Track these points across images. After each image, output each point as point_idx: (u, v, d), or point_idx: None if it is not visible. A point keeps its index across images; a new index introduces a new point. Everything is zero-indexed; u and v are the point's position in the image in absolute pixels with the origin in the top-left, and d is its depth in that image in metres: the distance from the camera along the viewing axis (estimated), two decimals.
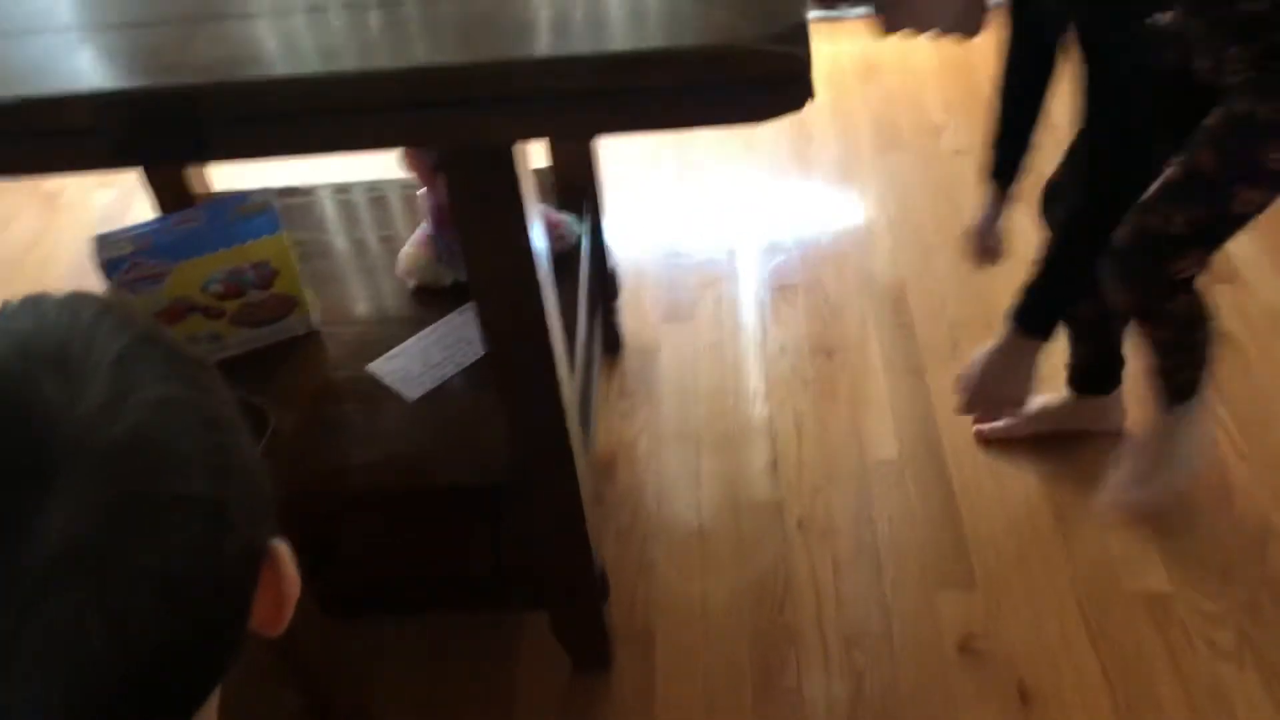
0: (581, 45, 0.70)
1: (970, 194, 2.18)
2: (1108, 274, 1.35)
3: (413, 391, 1.34)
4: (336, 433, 1.30)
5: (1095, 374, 1.65)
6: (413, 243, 1.49)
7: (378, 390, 1.35)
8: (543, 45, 0.73)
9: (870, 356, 1.87)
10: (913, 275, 2.03)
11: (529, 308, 1.03)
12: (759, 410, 1.79)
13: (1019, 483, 1.64)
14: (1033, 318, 1.36)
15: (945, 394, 1.74)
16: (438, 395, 1.34)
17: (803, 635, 1.46)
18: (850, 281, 2.04)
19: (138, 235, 1.31)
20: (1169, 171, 1.29)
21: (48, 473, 0.38)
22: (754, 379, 1.85)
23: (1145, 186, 1.29)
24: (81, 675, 0.38)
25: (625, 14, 0.73)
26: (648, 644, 1.48)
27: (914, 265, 2.05)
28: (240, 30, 0.80)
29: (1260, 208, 1.28)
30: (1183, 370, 1.48)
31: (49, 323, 0.42)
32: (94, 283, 1.30)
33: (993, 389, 1.43)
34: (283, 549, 0.49)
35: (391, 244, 1.58)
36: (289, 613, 0.49)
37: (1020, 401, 1.46)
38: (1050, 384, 1.62)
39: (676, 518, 1.64)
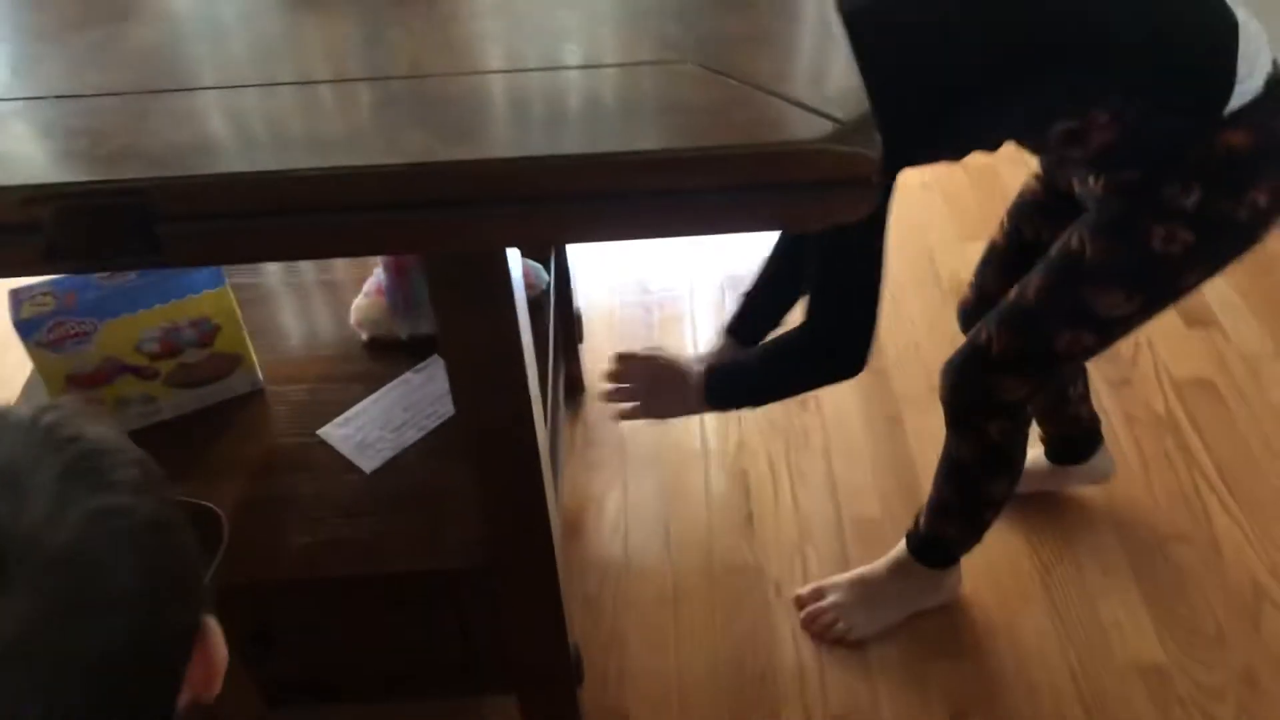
0: (612, 139, 0.59)
1: (937, 232, 2.13)
2: (941, 372, 1.32)
3: (369, 461, 1.23)
4: (283, 509, 1.18)
5: (1071, 445, 1.59)
6: (365, 293, 1.38)
7: (330, 459, 1.24)
8: (572, 138, 0.62)
9: (845, 404, 1.80)
10: (884, 318, 1.95)
11: (512, 393, 0.94)
12: (733, 462, 1.71)
13: (1003, 544, 1.58)
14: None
15: (925, 442, 1.68)
16: (396, 465, 1.23)
17: (787, 714, 1.38)
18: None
19: (61, 290, 1.18)
20: (1014, 289, 1.23)
21: None
22: (726, 429, 1.77)
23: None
24: None
25: (658, 105, 0.62)
26: None
27: (885, 307, 1.98)
28: (201, 105, 0.69)
29: (1088, 351, 1.22)
30: (953, 522, 1.41)
31: None
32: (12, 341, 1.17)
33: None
34: (212, 623, 0.56)
35: (338, 290, 1.46)
36: (219, 681, 0.56)
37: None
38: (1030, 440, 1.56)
39: (648, 583, 1.54)
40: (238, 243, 0.63)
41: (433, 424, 1.27)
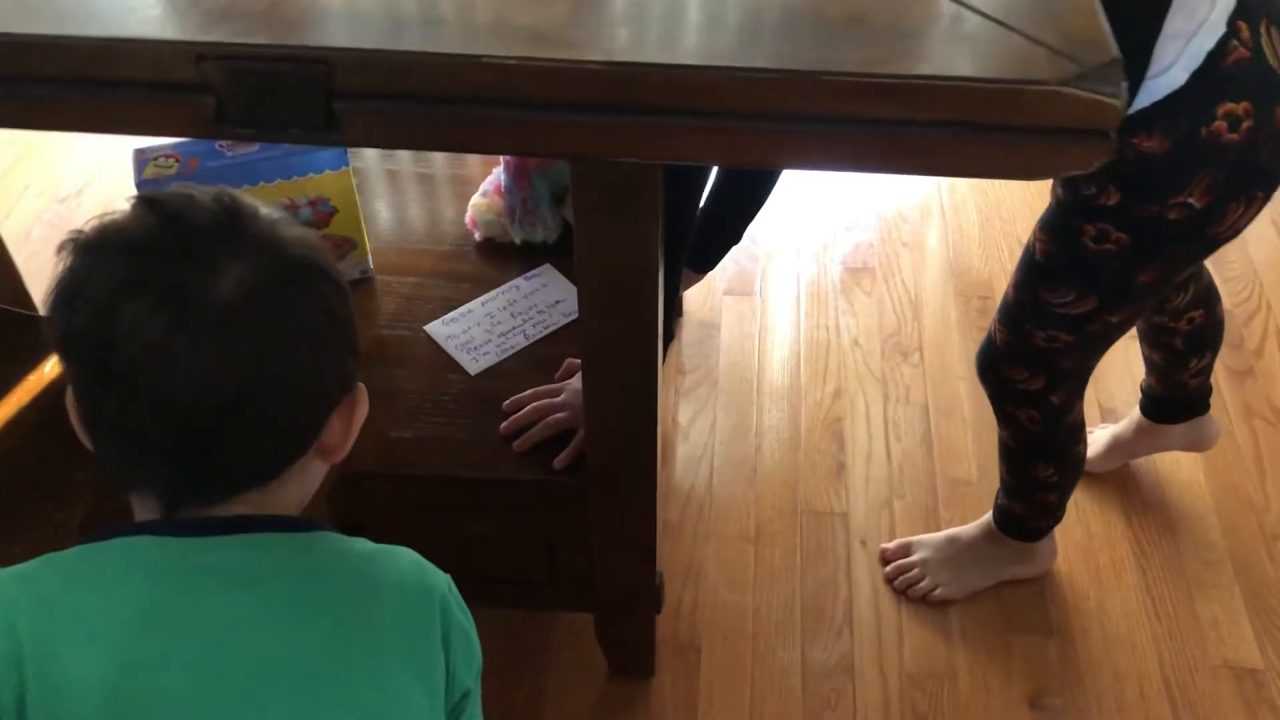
0: (848, 58, 0.56)
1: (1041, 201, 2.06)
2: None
3: (473, 362, 1.23)
4: (384, 402, 1.19)
5: (1168, 405, 1.53)
6: (483, 192, 1.37)
7: (434, 356, 1.24)
8: (786, 53, 0.59)
9: (951, 363, 1.76)
10: (1001, 275, 1.91)
11: (640, 310, 0.92)
12: (828, 408, 1.69)
13: (1103, 523, 1.55)
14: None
15: None
16: (500, 370, 1.23)
17: (861, 668, 1.38)
18: (932, 274, 1.92)
19: (185, 155, 1.19)
20: None
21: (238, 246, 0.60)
22: (823, 372, 1.75)
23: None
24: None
25: (882, 27, 0.59)
26: (692, 658, 1.39)
27: (1003, 264, 1.93)
28: None
29: (1073, 348, 1.17)
30: (1015, 499, 1.40)
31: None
32: None
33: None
34: (362, 389, 0.68)
35: (457, 185, 1.46)
36: (349, 444, 0.67)
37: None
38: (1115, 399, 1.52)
39: (730, 518, 1.54)
40: (417, 128, 0.62)
41: (538, 333, 1.27)
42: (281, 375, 0.60)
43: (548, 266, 1.34)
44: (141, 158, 1.19)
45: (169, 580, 0.59)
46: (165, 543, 0.60)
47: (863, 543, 1.52)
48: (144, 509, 0.63)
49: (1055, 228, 1.10)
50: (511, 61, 0.58)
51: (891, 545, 1.49)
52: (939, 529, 1.53)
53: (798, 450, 1.63)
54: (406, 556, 0.68)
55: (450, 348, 1.25)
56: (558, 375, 1.21)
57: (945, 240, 1.98)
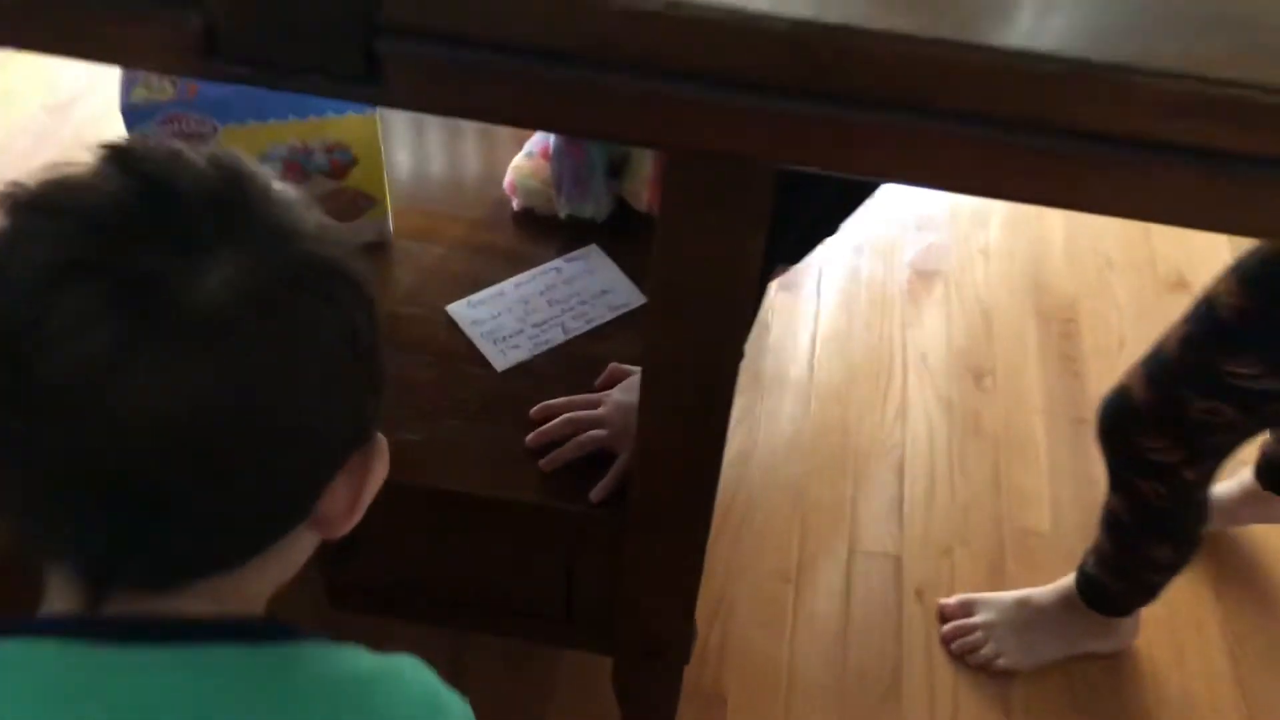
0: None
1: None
2: (1098, 408, 1.14)
3: (501, 356, 1.05)
4: (394, 393, 1.01)
5: None
6: (527, 153, 1.18)
7: (455, 344, 1.06)
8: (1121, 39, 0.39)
9: (1028, 390, 1.58)
10: (1086, 294, 1.72)
11: (724, 331, 0.74)
12: (887, 431, 1.51)
13: (1191, 599, 1.37)
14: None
15: None
16: (531, 368, 1.05)
17: None
18: (1009, 287, 1.73)
19: (182, 79, 1.00)
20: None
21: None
22: (884, 389, 1.57)
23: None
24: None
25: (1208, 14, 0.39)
26: (716, 710, 1.23)
27: (1088, 282, 1.75)
28: None
29: (1234, 427, 1.01)
30: (1113, 574, 1.23)
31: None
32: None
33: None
34: (382, 442, 0.53)
35: (497, 142, 1.27)
36: (357, 516, 0.51)
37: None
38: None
39: (768, 550, 1.37)
40: (494, 92, 0.43)
41: (579, 327, 1.09)
42: (274, 417, 0.44)
43: (594, 248, 1.16)
44: (130, 78, 1.00)
45: (70, 712, 0.41)
46: (77, 651, 0.42)
47: (918, 594, 1.34)
48: (59, 592, 0.45)
49: (1268, 286, 0.91)
50: (654, 8, 0.39)
51: (952, 601, 1.32)
52: (1003, 584, 1.35)
53: (850, 478, 1.45)
54: (415, 681, 0.50)
55: (475, 335, 1.07)
56: (598, 382, 1.03)
57: (1026, 250, 1.79)
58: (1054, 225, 1.84)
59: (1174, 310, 1.46)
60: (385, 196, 1.10)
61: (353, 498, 0.50)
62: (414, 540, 1.06)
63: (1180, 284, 1.74)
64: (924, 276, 1.73)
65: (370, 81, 0.44)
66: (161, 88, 0.99)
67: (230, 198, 0.45)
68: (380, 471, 0.52)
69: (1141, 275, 1.77)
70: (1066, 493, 1.45)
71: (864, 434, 1.50)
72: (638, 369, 1.03)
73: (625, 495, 0.94)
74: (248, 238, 0.44)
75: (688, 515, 0.90)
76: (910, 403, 1.55)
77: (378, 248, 1.13)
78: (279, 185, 0.48)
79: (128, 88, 0.99)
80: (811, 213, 1.03)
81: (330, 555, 1.03)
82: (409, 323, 1.07)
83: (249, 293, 0.42)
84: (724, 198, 0.63)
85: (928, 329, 1.65)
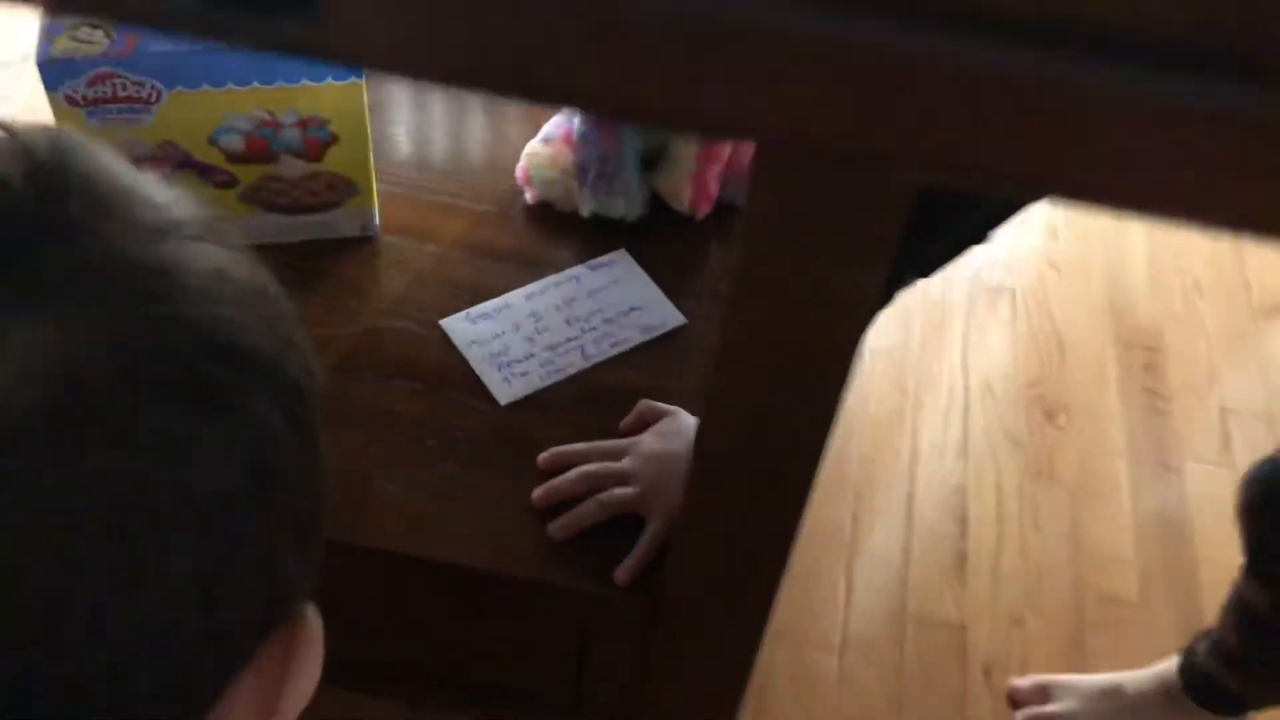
0: None
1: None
2: (1242, 481, 0.96)
3: (506, 386, 0.86)
4: (368, 433, 0.82)
5: None
6: (545, 137, 0.99)
7: (449, 367, 0.87)
8: None
9: (1107, 432, 1.38)
10: (1172, 322, 1.52)
11: (822, 391, 0.55)
12: (948, 472, 1.32)
13: None
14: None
15: (1214, 517, 1.27)
16: (544, 404, 0.85)
17: None
18: (1086, 309, 1.53)
19: (120, 29, 0.80)
20: None
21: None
22: (943, 421, 1.37)
23: None
24: None
25: None
26: None
27: (1174, 310, 1.55)
28: None
29: None
30: (1241, 676, 1.03)
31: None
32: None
33: None
34: (312, 622, 0.34)
35: (508, 124, 1.07)
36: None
37: None
38: None
39: (811, 615, 1.18)
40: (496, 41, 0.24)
41: (603, 352, 0.89)
42: (99, 591, 0.25)
43: (623, 254, 0.96)
44: (51, 28, 0.81)
45: None
46: None
47: (986, 672, 1.15)
48: None
49: None
50: None
51: (1026, 684, 1.13)
52: (1084, 662, 1.16)
53: (906, 527, 1.26)
54: None
55: (474, 358, 0.87)
56: (625, 424, 0.84)
57: (1103, 268, 1.59)
58: (1134, 243, 1.64)
59: (1271, 340, 1.25)
60: (371, 183, 0.91)
61: (267, 703, 0.32)
62: (390, 608, 0.87)
63: (1277, 309, 1.54)
64: (990, 292, 1.53)
65: (303, 10, 0.25)
66: (91, 39, 0.80)
67: (52, 208, 0.26)
68: (311, 663, 0.34)
69: (1233, 300, 1.57)
70: (1155, 553, 1.26)
71: (920, 474, 1.31)
72: (674, 410, 0.84)
73: (658, 575, 0.75)
74: (73, 278, 0.25)
75: (743, 610, 0.71)
76: (973, 438, 1.35)
77: (360, 244, 0.94)
78: (147, 193, 0.29)
79: (49, 38, 0.79)
80: (973, 222, 0.83)
81: None
82: (393, 339, 0.88)
83: (43, 399, 0.23)
84: (844, 215, 0.43)
85: (993, 353, 1.45)
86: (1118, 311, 1.53)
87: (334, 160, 0.88)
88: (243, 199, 0.89)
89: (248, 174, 0.87)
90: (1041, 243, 1.62)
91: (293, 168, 0.88)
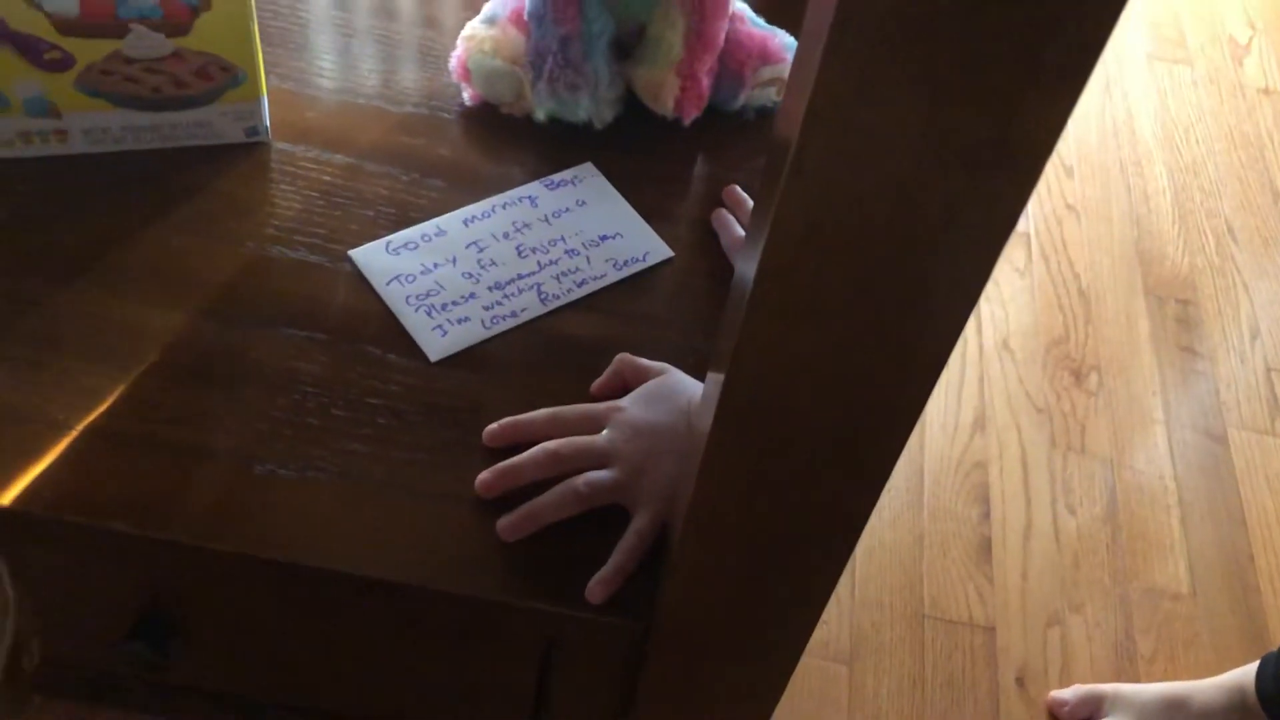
0: None
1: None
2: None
3: (438, 336, 0.66)
4: (253, 399, 0.62)
5: None
6: (487, 18, 0.78)
7: (363, 311, 0.67)
8: None
9: (1142, 394, 1.22)
10: (1206, 272, 1.37)
11: (920, 363, 0.37)
12: (964, 446, 1.15)
13: None
14: None
15: (1259, 483, 1.12)
16: (488, 361, 0.66)
17: None
18: (1110, 256, 1.37)
19: None
20: None
21: None
22: (958, 387, 1.20)
23: None
24: None
25: None
26: None
27: (1208, 256, 1.39)
28: None
29: None
30: None
31: None
32: None
33: None
34: None
35: (441, 2, 0.87)
36: None
37: None
38: None
39: (824, 615, 1.00)
40: None
41: (566, 293, 0.70)
42: None
43: (589, 168, 0.77)
44: None
45: None
46: None
47: (1020, 681, 0.99)
48: None
49: None
50: None
51: (1069, 695, 0.97)
52: (1134, 670, 1.00)
53: (920, 511, 1.08)
54: None
55: (394, 299, 0.68)
56: (597, 385, 0.65)
57: (1127, 210, 1.43)
58: (1157, 181, 1.47)
59: None
60: (257, 68, 0.70)
61: None
62: (291, 643, 0.67)
63: None
64: None
65: None
66: None
67: None
68: None
69: (1272, 247, 1.41)
70: (1208, 539, 1.10)
71: (932, 448, 1.14)
72: (664, 367, 0.65)
73: (645, 591, 0.56)
74: None
75: (767, 642, 0.53)
76: (992, 406, 1.18)
77: (245, 153, 0.73)
78: None
79: None
80: None
81: (135, 648, 0.65)
82: (286, 275, 0.68)
83: None
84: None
85: (1011, 308, 1.28)
86: (1144, 258, 1.37)
87: (205, 34, 0.67)
88: (81, 87, 0.68)
89: (87, 52, 0.66)
90: (1055, 181, 1.45)
91: (148, 43, 0.67)
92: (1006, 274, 1.32)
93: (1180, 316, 1.30)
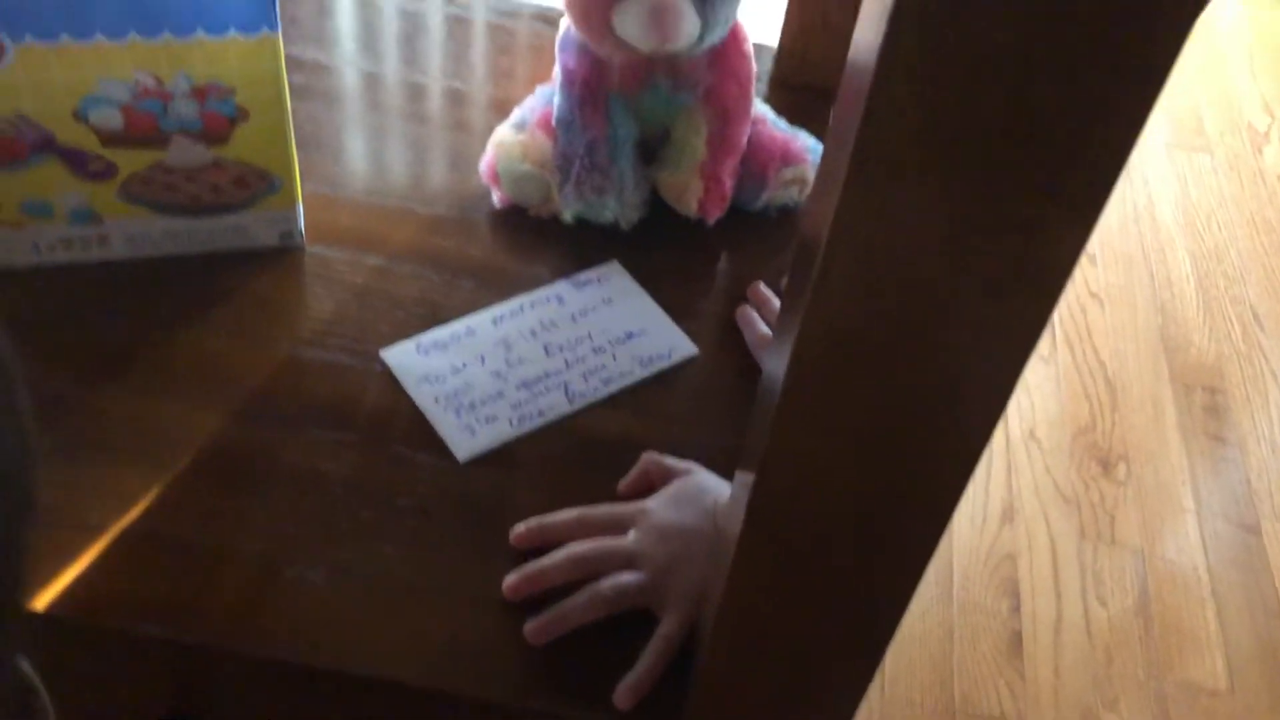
0: None
1: None
2: None
3: (468, 437, 0.67)
4: (282, 501, 0.63)
5: None
6: (516, 124, 0.81)
7: (395, 412, 0.68)
8: None
9: (1171, 483, 1.22)
10: (1232, 360, 1.37)
11: (953, 460, 0.38)
12: (994, 538, 1.14)
13: None
14: None
15: None
16: (516, 460, 0.67)
17: None
18: (1136, 344, 1.37)
19: None
20: None
21: None
22: (985, 477, 1.20)
23: None
24: None
25: None
26: None
27: (1234, 344, 1.39)
28: None
29: None
30: None
31: None
32: None
33: None
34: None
35: (468, 107, 0.90)
36: None
37: None
38: None
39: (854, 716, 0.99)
40: None
41: (593, 391, 0.71)
42: None
43: (615, 266, 0.79)
44: None
45: None
46: None
47: None
48: None
49: None
50: None
51: None
52: None
53: (950, 604, 1.08)
54: None
55: (425, 399, 0.69)
56: (624, 485, 0.65)
57: (1151, 297, 1.44)
58: (1180, 268, 1.48)
59: None
60: (293, 175, 0.73)
61: None
62: None
63: None
64: None
65: None
66: None
67: None
68: None
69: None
70: (1245, 632, 1.09)
71: (960, 540, 1.13)
72: (690, 467, 0.65)
73: (673, 696, 0.56)
74: None
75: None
76: (1020, 497, 1.18)
77: (280, 257, 0.75)
78: None
79: None
80: None
81: None
82: (318, 376, 0.69)
83: None
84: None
85: (1037, 396, 1.29)
86: (1170, 345, 1.37)
87: (243, 144, 0.70)
88: (123, 195, 0.70)
89: (130, 162, 0.69)
90: (1079, 269, 1.45)
91: (190, 154, 0.69)
92: (1031, 362, 1.32)
93: (1208, 404, 1.30)
